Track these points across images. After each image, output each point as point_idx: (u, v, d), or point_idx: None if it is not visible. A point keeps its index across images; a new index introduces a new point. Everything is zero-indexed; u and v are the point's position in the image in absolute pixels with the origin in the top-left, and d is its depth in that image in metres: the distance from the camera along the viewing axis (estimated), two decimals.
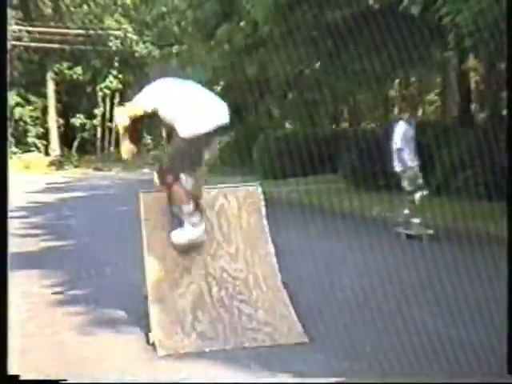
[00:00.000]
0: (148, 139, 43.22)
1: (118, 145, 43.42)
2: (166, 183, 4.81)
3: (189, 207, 4.81)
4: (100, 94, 42.30)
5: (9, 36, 38.24)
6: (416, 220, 8.85)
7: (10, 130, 41.18)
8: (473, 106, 17.58)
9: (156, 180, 4.94)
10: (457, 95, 15.65)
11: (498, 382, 3.65)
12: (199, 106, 4.75)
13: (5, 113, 3.11)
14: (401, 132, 8.75)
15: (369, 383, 3.86)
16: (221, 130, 4.80)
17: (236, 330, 4.53)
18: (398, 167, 8.84)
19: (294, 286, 5.07)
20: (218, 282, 4.81)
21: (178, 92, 4.85)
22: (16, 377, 2.92)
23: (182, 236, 4.87)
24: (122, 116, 4.93)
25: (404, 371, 3.87)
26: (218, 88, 22.25)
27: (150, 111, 4.82)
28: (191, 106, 4.72)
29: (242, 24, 13.62)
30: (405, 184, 8.84)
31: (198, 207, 4.93)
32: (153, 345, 4.38)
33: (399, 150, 8.71)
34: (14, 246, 9.04)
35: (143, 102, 4.88)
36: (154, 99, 4.83)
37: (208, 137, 4.74)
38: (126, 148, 5.01)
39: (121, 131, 4.93)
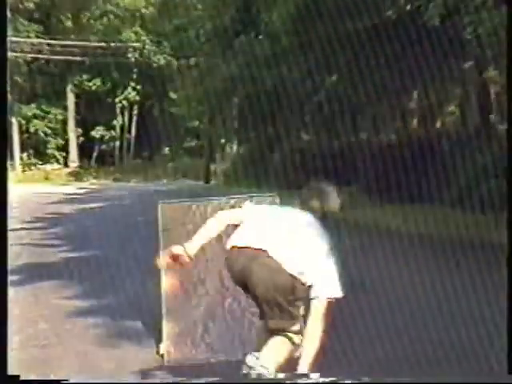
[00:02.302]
0: (166, 151, 43.46)
1: (136, 156, 43.88)
2: None
3: None
4: (119, 105, 42.64)
5: (29, 49, 38.80)
6: None
7: (29, 142, 41.65)
8: (493, 117, 17.44)
9: None
10: (476, 106, 15.55)
11: (498, 382, 3.65)
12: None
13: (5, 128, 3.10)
14: None
15: (369, 383, 3.85)
16: None
17: (244, 342, 4.53)
18: None
19: None
20: (231, 293, 4.80)
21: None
22: (16, 377, 2.91)
23: None
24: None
25: (404, 371, 3.87)
26: (236, 99, 22.35)
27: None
28: None
29: (260, 36, 13.66)
30: None
31: None
32: (162, 355, 4.44)
33: None
34: (33, 256, 9.15)
35: None
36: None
37: None
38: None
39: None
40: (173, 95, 34.80)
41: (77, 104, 43.14)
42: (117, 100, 42.34)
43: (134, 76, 42.24)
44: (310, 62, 13.86)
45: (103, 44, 40.81)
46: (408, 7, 13.59)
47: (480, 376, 3.75)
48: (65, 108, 42.43)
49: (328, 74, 16.11)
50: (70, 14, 42.63)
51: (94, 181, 38.76)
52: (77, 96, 42.97)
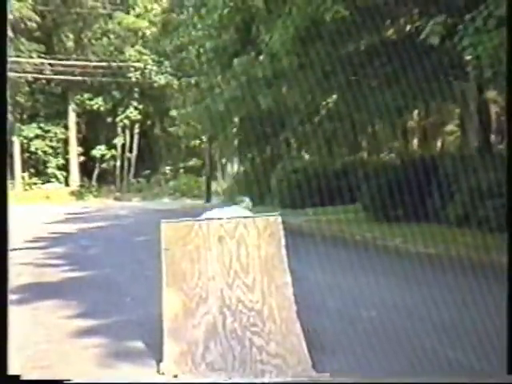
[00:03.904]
0: (167, 170, 43.53)
1: (137, 175, 43.96)
2: None
3: None
4: (120, 124, 42.75)
5: (31, 69, 38.99)
6: None
7: (30, 161, 41.74)
8: (493, 137, 17.48)
9: None
10: (477, 126, 15.57)
11: (498, 382, 3.63)
12: None
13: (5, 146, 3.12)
14: None
15: (370, 383, 3.83)
16: None
17: (245, 362, 4.53)
18: None
19: (311, 318, 5.05)
20: (232, 312, 4.80)
21: None
22: (16, 377, 2.89)
23: None
24: None
25: (404, 371, 3.86)
26: (236, 119, 22.42)
27: None
28: None
29: (260, 57, 13.70)
30: None
31: None
32: (162, 374, 4.42)
33: None
34: (34, 276, 9.12)
35: None
36: None
37: None
38: None
39: None
40: (174, 114, 34.93)
41: (78, 123, 43.28)
42: (118, 119, 42.45)
43: (136, 95, 42.40)
44: (311, 82, 13.89)
45: (104, 64, 41.00)
46: (408, 27, 13.69)
47: (480, 376, 3.75)
48: (66, 127, 42.54)
49: (328, 94, 16.16)
50: (71, 33, 42.89)
51: (95, 200, 38.76)
52: (78, 115, 43.12)
